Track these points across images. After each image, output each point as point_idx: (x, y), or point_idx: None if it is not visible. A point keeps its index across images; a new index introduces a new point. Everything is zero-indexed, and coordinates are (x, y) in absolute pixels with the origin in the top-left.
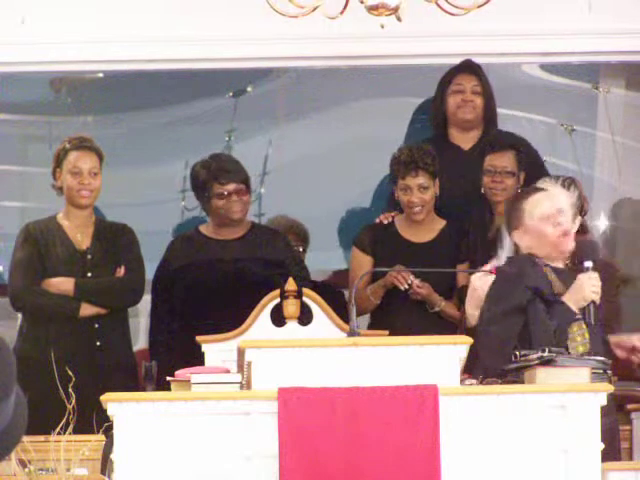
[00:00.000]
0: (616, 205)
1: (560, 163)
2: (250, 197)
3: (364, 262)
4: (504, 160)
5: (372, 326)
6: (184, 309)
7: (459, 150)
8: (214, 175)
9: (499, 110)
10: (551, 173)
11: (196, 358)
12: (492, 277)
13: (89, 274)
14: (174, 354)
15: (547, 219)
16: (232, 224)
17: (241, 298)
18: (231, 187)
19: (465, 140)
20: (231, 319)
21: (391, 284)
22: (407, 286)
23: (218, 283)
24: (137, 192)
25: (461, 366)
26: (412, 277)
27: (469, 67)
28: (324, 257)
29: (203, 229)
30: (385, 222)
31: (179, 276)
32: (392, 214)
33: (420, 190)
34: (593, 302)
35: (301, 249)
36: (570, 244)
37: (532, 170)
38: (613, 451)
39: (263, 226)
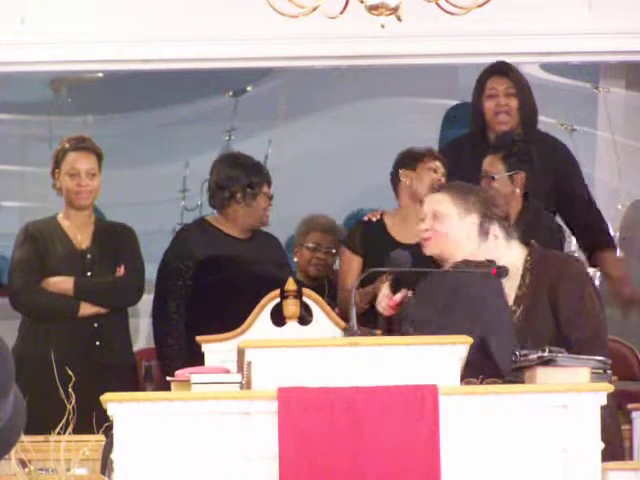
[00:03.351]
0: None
1: None
2: None
3: (353, 262)
4: (488, 164)
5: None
6: (202, 305)
7: None
8: (265, 176)
9: None
10: None
11: (198, 355)
12: None
13: (89, 273)
14: (187, 350)
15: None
16: (252, 226)
17: (243, 297)
18: (271, 193)
19: None
20: (233, 318)
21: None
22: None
23: (243, 282)
24: (137, 192)
25: (461, 366)
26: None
27: (500, 69)
28: None
29: (213, 221)
30: (374, 219)
31: (204, 267)
32: (380, 212)
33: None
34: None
35: (334, 251)
36: (424, 250)
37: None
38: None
39: (261, 230)
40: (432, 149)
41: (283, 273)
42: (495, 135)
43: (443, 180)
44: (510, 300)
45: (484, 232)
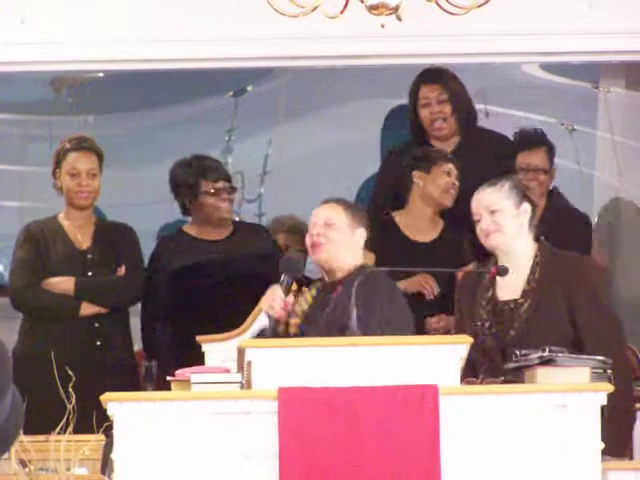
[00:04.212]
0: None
1: (560, 163)
2: (235, 196)
3: (366, 260)
4: (537, 158)
5: None
6: (180, 311)
7: None
8: (201, 172)
9: (499, 110)
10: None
11: (193, 359)
12: None
13: (89, 273)
14: (175, 353)
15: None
16: (219, 223)
17: (236, 297)
18: (220, 184)
19: (446, 145)
20: (231, 318)
21: (416, 290)
22: (432, 297)
23: (213, 284)
24: (137, 192)
25: (461, 366)
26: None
27: (430, 76)
28: None
29: (188, 230)
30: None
31: (173, 276)
32: (385, 211)
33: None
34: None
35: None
36: (313, 256)
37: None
38: None
39: (246, 223)
40: (446, 152)
41: (266, 266)
42: (526, 130)
43: (457, 183)
44: (517, 292)
45: (517, 204)
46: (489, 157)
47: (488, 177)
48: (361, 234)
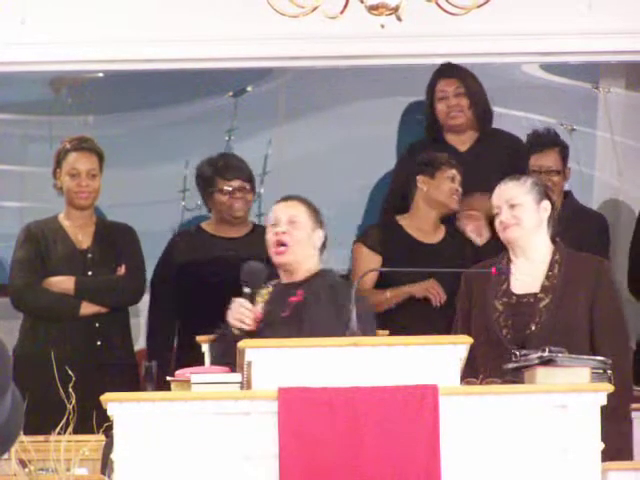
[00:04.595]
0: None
1: None
2: (253, 197)
3: (373, 262)
4: (549, 160)
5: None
6: (188, 307)
7: (456, 152)
8: (219, 171)
9: (499, 110)
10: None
11: (193, 359)
12: None
13: (90, 273)
14: (176, 352)
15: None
16: (234, 222)
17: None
18: (236, 183)
19: (461, 142)
20: None
21: (422, 296)
22: (439, 304)
23: (224, 282)
24: (137, 192)
25: (461, 366)
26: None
27: (448, 70)
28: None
29: (205, 226)
30: None
31: (184, 273)
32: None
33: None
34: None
35: None
36: (277, 258)
37: None
38: None
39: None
40: (450, 157)
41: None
42: (538, 131)
43: (460, 189)
44: (535, 287)
45: (538, 200)
46: (503, 157)
47: (501, 177)
48: (319, 235)
